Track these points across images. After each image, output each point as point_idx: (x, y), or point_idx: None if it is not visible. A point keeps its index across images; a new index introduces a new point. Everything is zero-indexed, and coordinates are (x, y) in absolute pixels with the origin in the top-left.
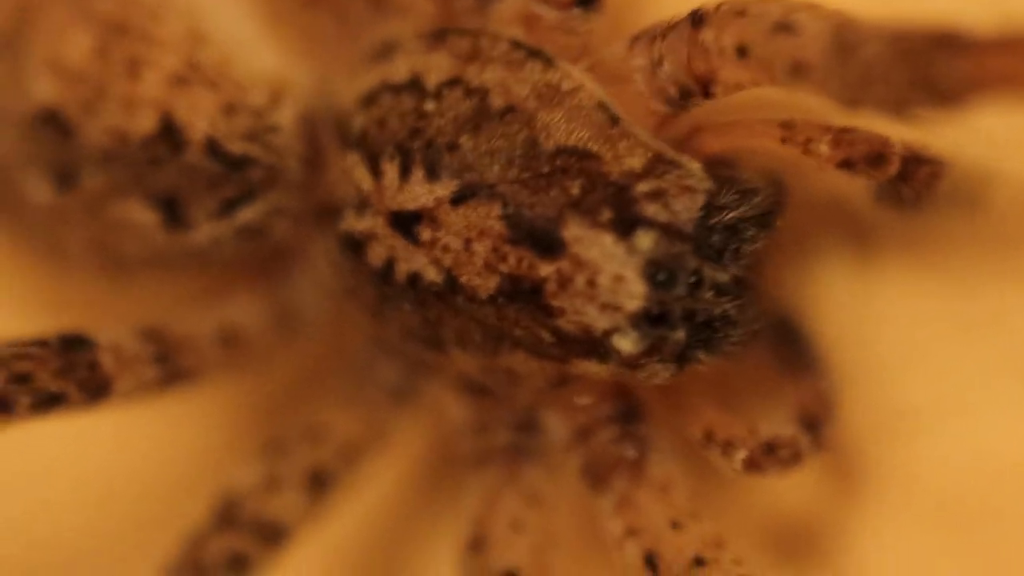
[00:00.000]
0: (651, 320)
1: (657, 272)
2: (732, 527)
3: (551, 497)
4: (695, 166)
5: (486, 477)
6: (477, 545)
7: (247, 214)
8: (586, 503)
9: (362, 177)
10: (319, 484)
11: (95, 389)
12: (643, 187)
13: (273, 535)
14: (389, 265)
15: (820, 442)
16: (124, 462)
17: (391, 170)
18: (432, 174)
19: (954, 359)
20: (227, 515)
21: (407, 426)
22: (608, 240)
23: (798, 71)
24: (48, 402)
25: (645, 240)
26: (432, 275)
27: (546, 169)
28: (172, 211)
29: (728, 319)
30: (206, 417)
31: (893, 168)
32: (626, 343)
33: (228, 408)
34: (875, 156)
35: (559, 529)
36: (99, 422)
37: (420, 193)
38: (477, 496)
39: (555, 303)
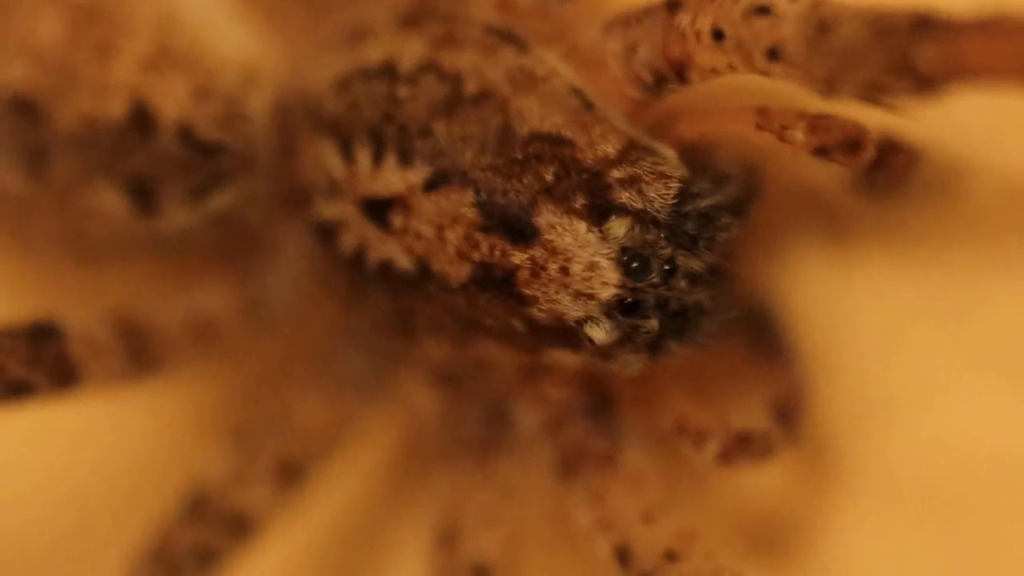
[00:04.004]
0: (624, 309)
1: (631, 260)
2: (705, 520)
3: (522, 490)
4: (670, 153)
5: (456, 470)
6: (447, 539)
7: (217, 201)
8: (557, 496)
9: (334, 163)
10: (289, 476)
11: (64, 379)
12: (617, 173)
13: (242, 528)
14: (360, 253)
15: (793, 433)
16: (89, 453)
17: (363, 156)
18: (405, 160)
19: (929, 348)
20: (195, 507)
21: (377, 418)
22: (582, 227)
23: (774, 54)
24: (16, 391)
25: (619, 227)
26: (404, 263)
27: (519, 155)
28: (142, 198)
29: (701, 308)
30: (173, 407)
31: (868, 155)
32: (599, 332)
33: (196, 398)
34: (850, 143)
35: (530, 522)
36: (63, 413)
37: (393, 179)
38: (447, 489)
39: (527, 291)
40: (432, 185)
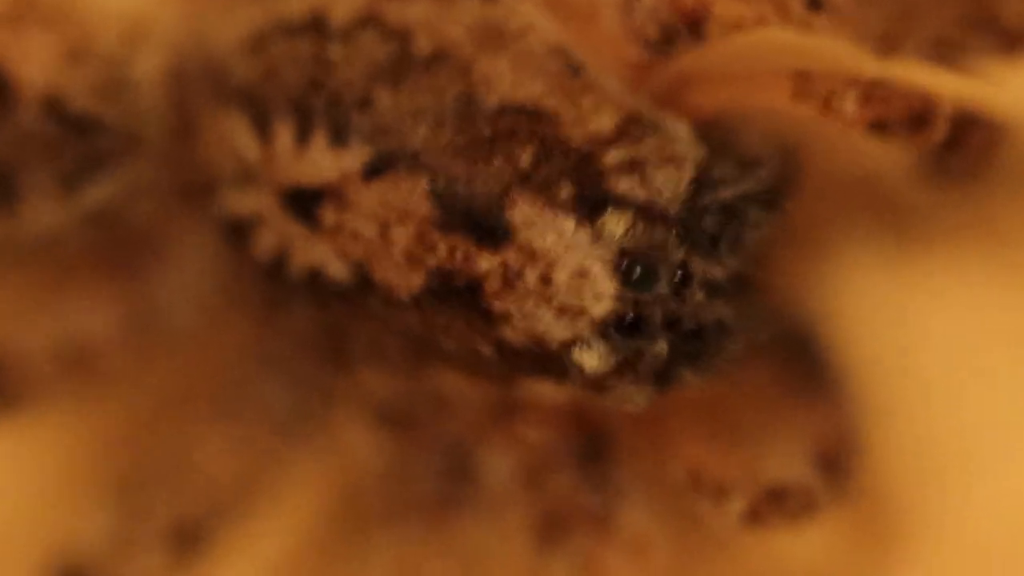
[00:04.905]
0: (623, 328)
1: (632, 266)
2: None
3: (490, 559)
4: (682, 129)
5: (406, 534)
6: None
7: (95, 193)
8: (536, 567)
9: (246, 143)
10: (186, 541)
11: None
12: (614, 156)
13: None
14: (281, 257)
15: (840, 488)
16: None
17: (284, 134)
18: (338, 139)
19: (1016, 381)
20: None
21: (303, 467)
22: (568, 224)
23: (817, 2)
24: None
25: (616, 224)
26: (337, 270)
27: (487, 132)
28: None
29: (723, 327)
30: (40, 453)
31: (938, 133)
32: (591, 358)
33: (70, 441)
34: (916, 117)
35: None
36: None
37: (323, 164)
38: (394, 559)
39: (498, 306)
40: (374, 171)
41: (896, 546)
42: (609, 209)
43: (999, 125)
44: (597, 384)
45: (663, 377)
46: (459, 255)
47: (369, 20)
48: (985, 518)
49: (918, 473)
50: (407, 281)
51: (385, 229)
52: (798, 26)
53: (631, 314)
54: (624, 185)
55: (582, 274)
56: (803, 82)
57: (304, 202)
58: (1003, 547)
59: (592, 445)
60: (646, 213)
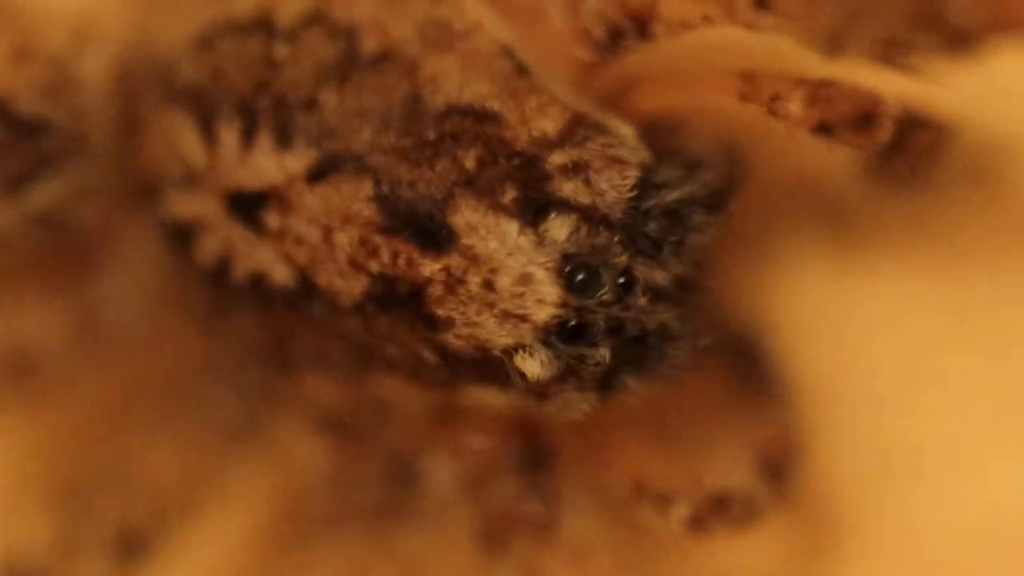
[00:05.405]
0: (566, 334)
1: (575, 271)
2: None
3: (432, 567)
4: (627, 131)
5: (349, 541)
6: None
7: (40, 195)
8: (479, 574)
9: (190, 145)
10: (129, 548)
11: None
12: (558, 158)
13: None
14: (224, 262)
15: (784, 493)
16: None
17: (229, 136)
18: (283, 142)
19: (961, 380)
20: None
21: (246, 474)
22: (511, 228)
23: (763, 3)
24: None
25: (559, 229)
26: (281, 275)
27: (432, 135)
28: None
29: (667, 333)
30: None
31: (884, 134)
32: (533, 365)
33: (13, 447)
34: (861, 118)
35: None
36: None
37: (267, 167)
38: (337, 565)
39: (441, 312)
40: (318, 174)
41: (837, 553)
42: (552, 213)
43: (945, 126)
44: (540, 391)
45: (606, 384)
46: (402, 260)
47: (315, 19)
48: (926, 524)
49: (860, 479)
50: (350, 287)
51: (328, 234)
52: (745, 26)
53: (574, 320)
54: (568, 188)
55: (525, 280)
56: (749, 83)
57: (248, 206)
58: (943, 552)
59: (534, 453)
60: (589, 217)
